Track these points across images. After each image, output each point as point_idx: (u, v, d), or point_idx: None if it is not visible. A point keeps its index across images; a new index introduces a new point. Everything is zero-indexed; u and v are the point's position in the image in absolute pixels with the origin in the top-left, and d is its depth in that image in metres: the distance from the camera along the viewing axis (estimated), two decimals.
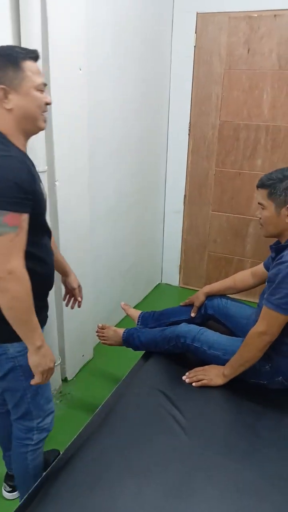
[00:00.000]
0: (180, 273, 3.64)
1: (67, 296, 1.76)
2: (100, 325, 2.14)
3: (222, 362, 1.69)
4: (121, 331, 2.05)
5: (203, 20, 2.91)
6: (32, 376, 1.32)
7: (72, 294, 1.74)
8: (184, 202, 3.39)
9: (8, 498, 1.74)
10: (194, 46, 2.97)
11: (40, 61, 1.71)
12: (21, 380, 1.37)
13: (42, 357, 1.27)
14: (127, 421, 1.51)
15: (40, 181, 1.30)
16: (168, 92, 3.13)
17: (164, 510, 1.19)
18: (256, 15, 2.75)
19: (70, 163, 2.04)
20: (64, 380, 2.39)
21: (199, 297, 2.02)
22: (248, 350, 1.58)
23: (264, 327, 1.52)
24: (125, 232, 2.89)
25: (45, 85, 1.26)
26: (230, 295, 2.05)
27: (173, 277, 3.67)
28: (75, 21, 1.89)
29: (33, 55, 1.24)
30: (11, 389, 1.40)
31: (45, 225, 1.36)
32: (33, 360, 1.27)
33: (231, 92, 2.97)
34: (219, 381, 1.65)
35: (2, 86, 1.17)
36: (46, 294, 1.40)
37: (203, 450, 1.38)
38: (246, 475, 1.30)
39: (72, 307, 1.77)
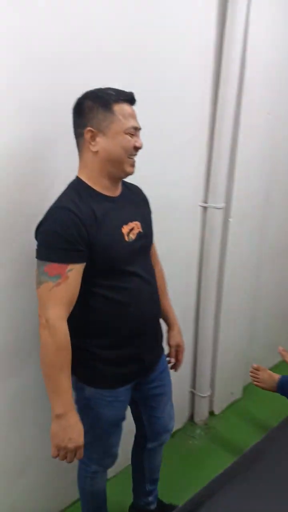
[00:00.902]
0: None
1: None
2: (255, 365, 2.09)
3: None
4: (276, 376, 1.98)
5: None
6: (98, 425, 1.32)
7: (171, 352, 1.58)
8: None
9: None
10: None
11: (232, 105, 1.82)
12: (87, 419, 1.31)
13: (61, 429, 1.14)
14: (276, 470, 1.44)
15: (124, 226, 1.24)
16: None
17: None
18: None
19: (246, 202, 2.09)
20: (211, 413, 2.39)
21: None
22: None
23: None
24: None
25: (137, 129, 1.21)
26: None
27: None
28: (270, 67, 1.96)
29: (127, 98, 1.18)
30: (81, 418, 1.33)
31: (124, 270, 1.26)
32: (51, 427, 1.16)
33: None
34: None
35: (90, 128, 1.16)
36: (128, 343, 1.29)
37: None
38: None
39: (173, 369, 1.61)
